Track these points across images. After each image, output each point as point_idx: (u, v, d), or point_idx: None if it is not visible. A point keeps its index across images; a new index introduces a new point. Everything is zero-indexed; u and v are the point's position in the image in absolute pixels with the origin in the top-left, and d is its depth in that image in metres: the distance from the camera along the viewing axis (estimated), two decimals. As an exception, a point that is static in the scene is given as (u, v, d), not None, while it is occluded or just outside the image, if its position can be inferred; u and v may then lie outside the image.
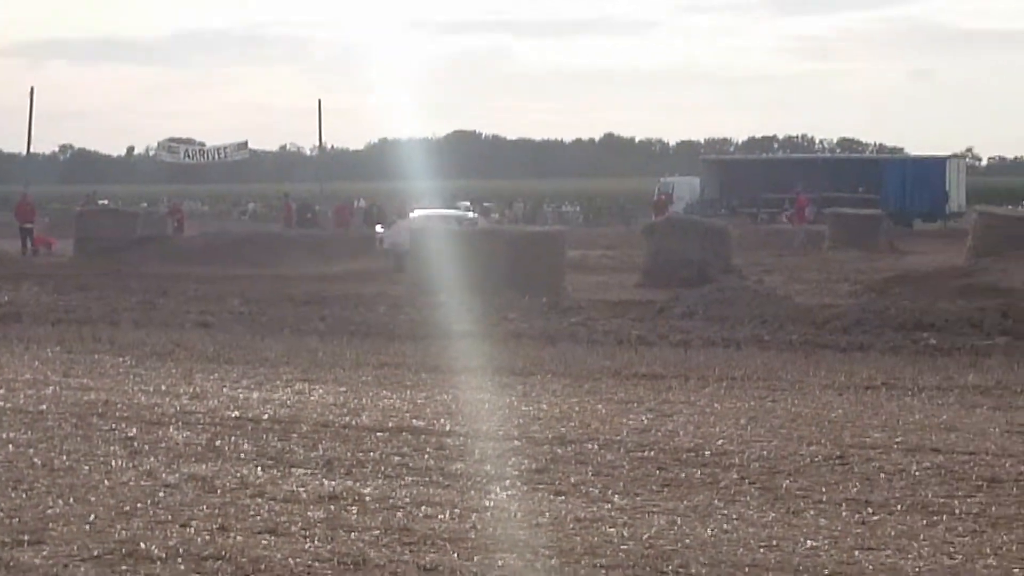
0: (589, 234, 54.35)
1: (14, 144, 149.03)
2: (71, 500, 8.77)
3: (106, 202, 66.89)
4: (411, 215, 41.56)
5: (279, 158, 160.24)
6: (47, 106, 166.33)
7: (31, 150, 56.53)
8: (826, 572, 7.27)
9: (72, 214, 49.32)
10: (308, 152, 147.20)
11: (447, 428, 11.91)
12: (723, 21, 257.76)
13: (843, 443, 11.07)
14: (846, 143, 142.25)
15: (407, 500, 8.92)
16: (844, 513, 8.62)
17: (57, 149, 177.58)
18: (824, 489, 9.32)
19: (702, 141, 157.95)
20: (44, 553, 7.41)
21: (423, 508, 8.67)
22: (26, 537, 7.72)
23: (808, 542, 7.84)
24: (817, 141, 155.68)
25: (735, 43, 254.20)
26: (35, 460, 10.12)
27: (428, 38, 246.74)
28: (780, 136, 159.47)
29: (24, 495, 8.91)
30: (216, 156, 61.42)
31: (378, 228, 41.26)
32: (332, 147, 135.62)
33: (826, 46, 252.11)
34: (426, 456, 10.54)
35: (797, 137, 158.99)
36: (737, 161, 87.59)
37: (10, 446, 10.67)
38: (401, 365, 16.67)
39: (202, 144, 69.05)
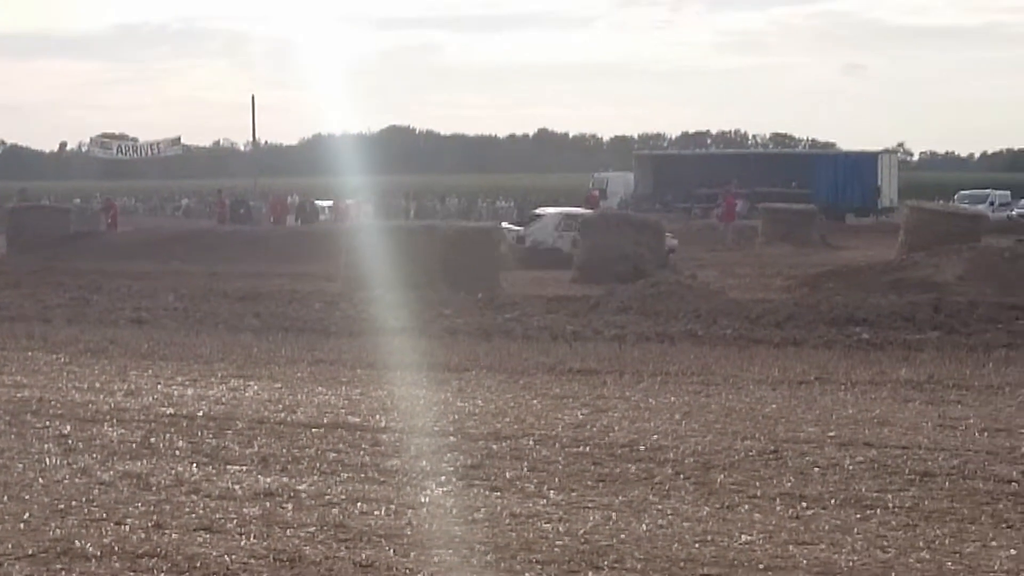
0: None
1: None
2: (5, 498, 8.72)
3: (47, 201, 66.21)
4: (546, 212, 41.07)
5: (213, 154, 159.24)
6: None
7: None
8: (761, 566, 7.34)
9: (3, 210, 48.84)
10: (242, 147, 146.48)
11: (382, 424, 11.92)
12: (658, 15, 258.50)
13: (777, 438, 11.17)
14: (779, 138, 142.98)
15: (343, 496, 8.93)
16: (778, 507, 8.70)
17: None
18: (758, 484, 9.41)
19: (636, 136, 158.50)
20: (-29, 551, 7.39)
21: (359, 504, 8.69)
22: (-42, 536, 7.68)
23: (743, 536, 7.92)
24: (751, 136, 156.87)
25: (670, 37, 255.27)
26: (-32, 459, 10.06)
27: (362, 33, 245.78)
28: (714, 131, 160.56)
29: (-41, 495, 8.86)
30: (149, 152, 61.12)
31: (505, 224, 39.98)
32: (266, 142, 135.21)
33: (760, 41, 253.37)
34: (361, 452, 10.55)
35: (731, 132, 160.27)
36: (670, 156, 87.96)
37: (-61, 445, 10.60)
38: (336, 361, 16.64)
39: (135, 140, 68.61)
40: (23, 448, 10.55)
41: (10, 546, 7.51)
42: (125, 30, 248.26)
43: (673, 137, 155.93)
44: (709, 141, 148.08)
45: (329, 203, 60.18)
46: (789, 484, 9.43)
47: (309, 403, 13.06)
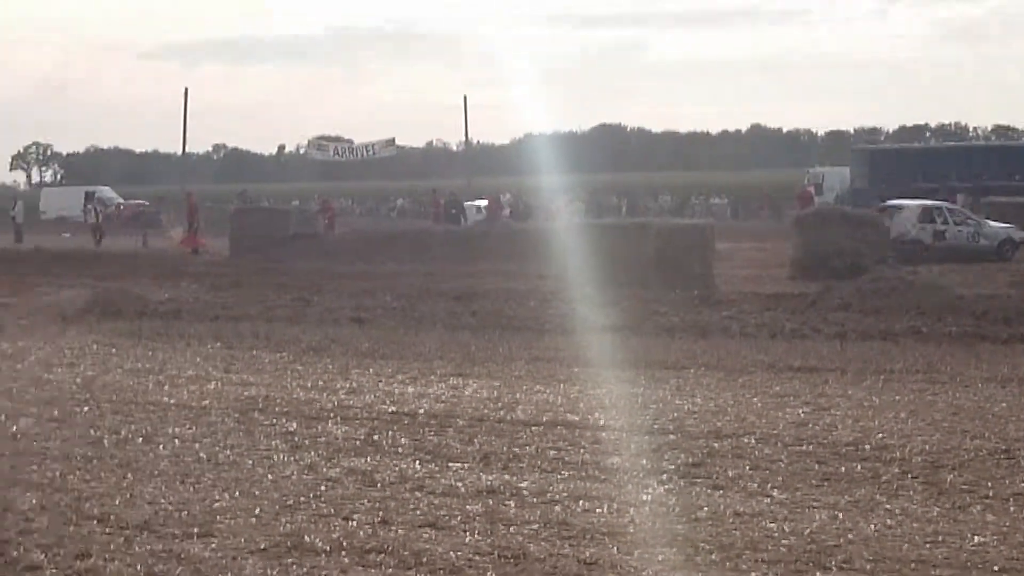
0: (738, 227, 53.95)
1: (169, 144, 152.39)
2: (236, 494, 8.93)
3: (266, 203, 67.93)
4: (906, 204, 40.62)
5: (426, 154, 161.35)
6: (201, 107, 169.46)
7: (186, 150, 57.62)
8: (995, 568, 7.14)
9: (226, 213, 50.09)
10: (455, 147, 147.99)
11: (602, 422, 11.91)
12: (872, 6, 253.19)
13: (1008, 437, 10.87)
14: (1001, 130, 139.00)
15: (564, 494, 8.94)
16: (1012, 508, 8.46)
17: (211, 149, 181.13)
18: (990, 484, 9.15)
19: (851, 131, 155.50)
20: (213, 546, 7.56)
21: (581, 502, 8.69)
22: (195, 530, 7.88)
23: (976, 538, 7.71)
24: (971, 128, 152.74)
25: (885, 29, 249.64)
26: (200, 454, 10.33)
27: (571, 32, 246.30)
28: (932, 124, 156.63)
29: (192, 489, 9.10)
30: (364, 153, 62.00)
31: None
32: (478, 142, 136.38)
33: (979, 30, 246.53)
34: (582, 450, 10.55)
35: (950, 125, 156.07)
36: (888, 150, 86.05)
37: (176, 440, 10.89)
38: (553, 359, 16.70)
39: (350, 141, 69.79)
40: (252, 445, 10.80)
41: (243, 540, 7.68)
42: (339, 33, 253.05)
43: (890, 131, 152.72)
44: (928, 134, 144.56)
45: (482, 203, 59.81)
46: (1023, 484, 9.15)
47: (528, 401, 13.13)
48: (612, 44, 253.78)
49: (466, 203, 55.14)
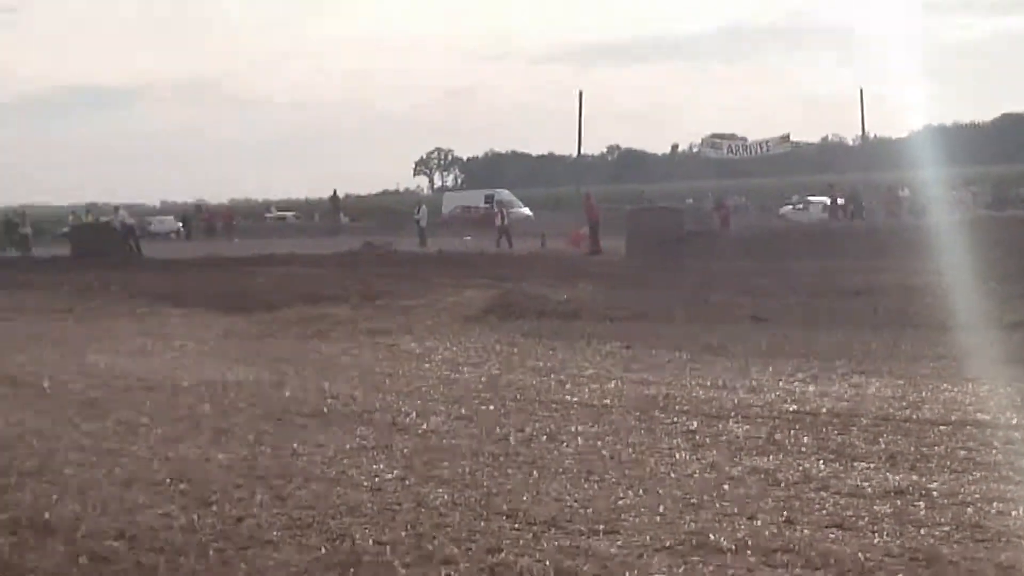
0: None
1: (565, 147, 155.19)
2: (640, 491, 9.01)
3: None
4: None
5: (821, 150, 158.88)
6: (595, 108, 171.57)
7: (581, 152, 58.62)
8: None
9: (622, 213, 50.70)
10: (850, 142, 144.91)
11: (1014, 422, 11.44)
12: None
13: None
14: None
15: (977, 496, 8.64)
16: None
17: (605, 150, 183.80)
18: None
19: None
20: (619, 543, 7.65)
21: (995, 504, 8.38)
22: (601, 526, 7.99)
23: None
24: None
25: None
26: (603, 452, 10.47)
27: (975, 20, 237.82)
28: None
29: (596, 486, 9.24)
30: (758, 150, 61.70)
31: None
32: (875, 136, 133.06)
33: None
34: (994, 451, 10.17)
35: None
36: None
37: (579, 438, 11.08)
38: (959, 357, 16.16)
39: (744, 139, 69.58)
40: (653, 443, 10.88)
41: (648, 538, 7.74)
42: (733, 30, 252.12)
43: None
44: None
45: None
46: None
47: (934, 399, 12.77)
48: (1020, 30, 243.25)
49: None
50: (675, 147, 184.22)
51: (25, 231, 61.17)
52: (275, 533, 7.97)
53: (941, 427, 11.19)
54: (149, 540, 7.82)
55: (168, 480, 9.55)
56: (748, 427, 11.52)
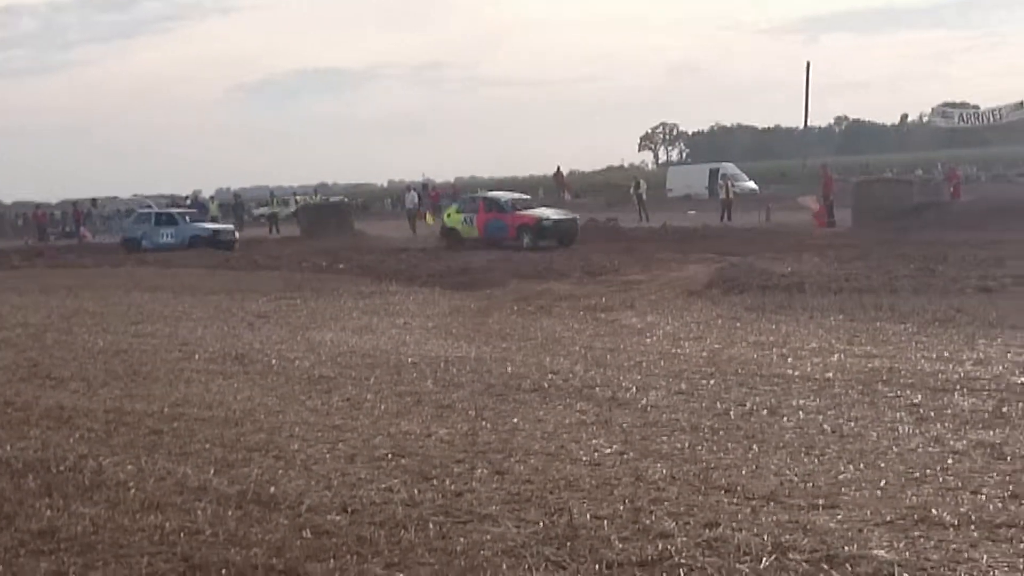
0: None
1: (791, 119, 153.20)
2: (861, 465, 8.90)
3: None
4: None
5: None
6: (823, 79, 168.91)
7: (807, 123, 57.78)
8: None
9: (849, 185, 49.86)
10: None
11: None
12: None
13: None
14: None
15: None
16: None
17: (832, 121, 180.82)
18: None
19: None
20: (838, 517, 7.58)
21: None
22: (820, 501, 7.92)
23: None
24: None
25: None
26: (824, 426, 10.36)
27: None
28: None
29: (816, 460, 9.16)
30: (991, 118, 59.92)
31: None
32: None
33: None
34: None
35: None
36: None
37: (800, 412, 10.98)
38: None
39: (976, 107, 67.69)
40: (875, 417, 10.73)
41: (868, 512, 7.65)
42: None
43: None
44: None
45: None
46: None
47: None
48: None
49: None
50: (904, 117, 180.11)
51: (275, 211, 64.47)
52: (494, 507, 8.10)
53: None
54: (370, 514, 8.02)
55: (390, 455, 9.77)
56: (974, 400, 11.27)
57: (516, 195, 44.81)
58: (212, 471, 9.43)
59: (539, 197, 63.05)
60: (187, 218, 49.88)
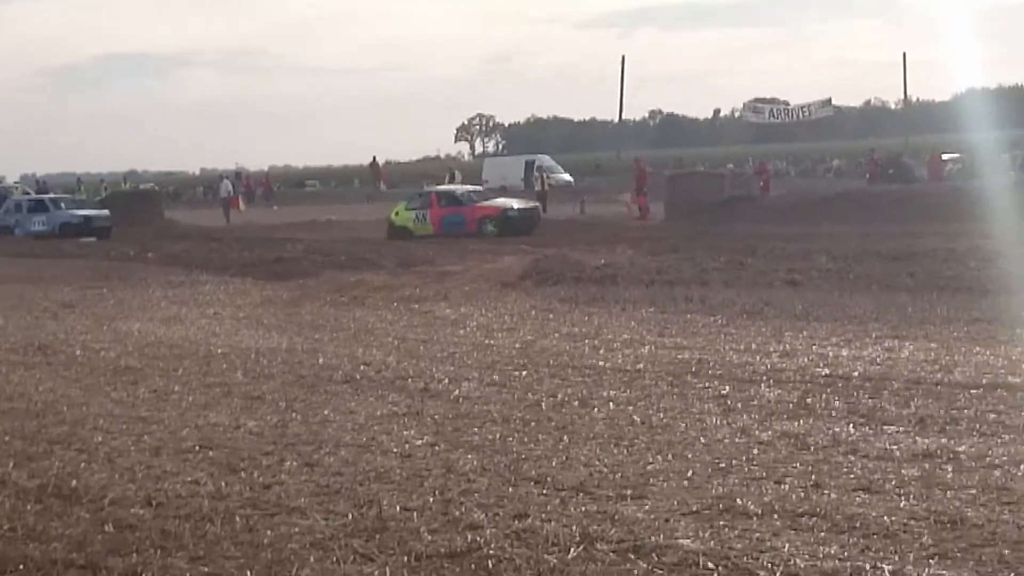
0: None
1: (606, 111, 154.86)
2: (669, 456, 9.01)
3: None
4: None
5: (863, 114, 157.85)
6: (637, 73, 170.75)
7: (622, 117, 58.50)
8: None
9: (663, 178, 50.57)
10: (893, 106, 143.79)
11: (1047, 385, 11.37)
12: None
13: None
14: None
15: (1004, 459, 8.59)
16: None
17: (647, 115, 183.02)
18: None
19: None
20: (646, 507, 7.65)
21: (1022, 467, 8.33)
22: (628, 491, 7.99)
23: None
24: None
25: None
26: (634, 417, 10.48)
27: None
28: None
29: (625, 451, 9.24)
30: (800, 114, 61.49)
31: None
32: (917, 100, 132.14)
33: None
34: (1023, 414, 10.12)
35: None
36: None
37: (611, 403, 11.09)
38: (995, 320, 16.06)
39: (786, 103, 69.25)
40: (684, 408, 10.88)
41: (675, 503, 7.74)
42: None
43: None
44: None
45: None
46: None
47: (966, 363, 12.70)
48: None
49: None
50: (717, 112, 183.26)
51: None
52: (303, 500, 8.02)
53: (972, 391, 11.13)
54: (175, 507, 7.89)
55: (197, 447, 9.63)
56: (780, 391, 11.50)
57: (469, 187, 44.81)
58: (11, 464, 9.20)
59: (355, 187, 62.70)
60: (62, 204, 48.57)
